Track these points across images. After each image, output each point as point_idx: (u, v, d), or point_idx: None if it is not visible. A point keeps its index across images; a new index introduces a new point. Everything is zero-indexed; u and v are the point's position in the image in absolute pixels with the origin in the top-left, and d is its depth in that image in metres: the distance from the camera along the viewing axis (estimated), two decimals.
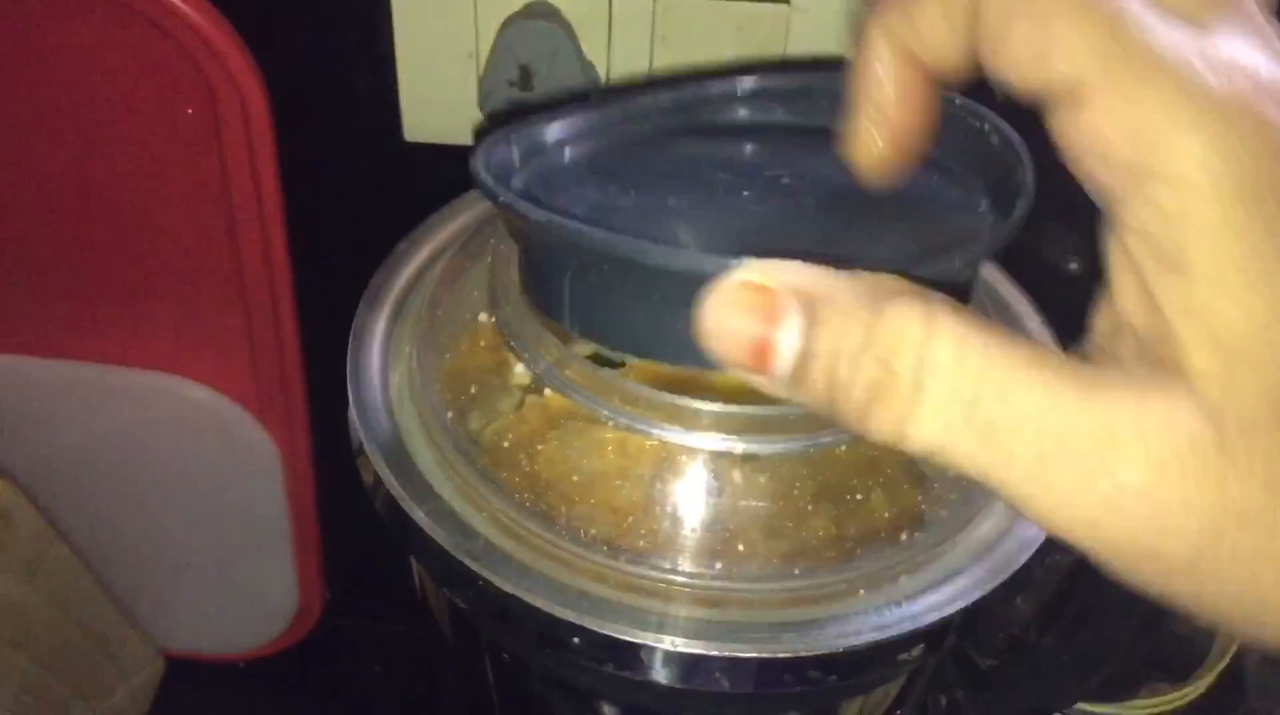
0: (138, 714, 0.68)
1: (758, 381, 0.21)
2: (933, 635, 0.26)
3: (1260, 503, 0.18)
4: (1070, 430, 0.18)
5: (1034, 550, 0.27)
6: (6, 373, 0.58)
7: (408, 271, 0.32)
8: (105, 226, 0.54)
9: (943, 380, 0.19)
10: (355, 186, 0.53)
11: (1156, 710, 0.49)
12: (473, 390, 0.27)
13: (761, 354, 0.20)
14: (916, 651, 0.26)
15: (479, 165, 0.25)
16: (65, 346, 0.58)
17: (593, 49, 0.39)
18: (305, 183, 0.52)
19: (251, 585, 0.68)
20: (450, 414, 0.27)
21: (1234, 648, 0.50)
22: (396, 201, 0.39)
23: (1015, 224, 0.23)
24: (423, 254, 0.32)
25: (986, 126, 0.26)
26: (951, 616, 0.26)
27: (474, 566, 0.25)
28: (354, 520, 0.74)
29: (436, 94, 0.43)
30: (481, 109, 0.41)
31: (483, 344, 0.27)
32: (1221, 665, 0.50)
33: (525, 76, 0.39)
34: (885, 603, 0.26)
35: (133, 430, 0.61)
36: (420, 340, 0.29)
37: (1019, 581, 0.26)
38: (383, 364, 0.29)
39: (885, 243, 0.24)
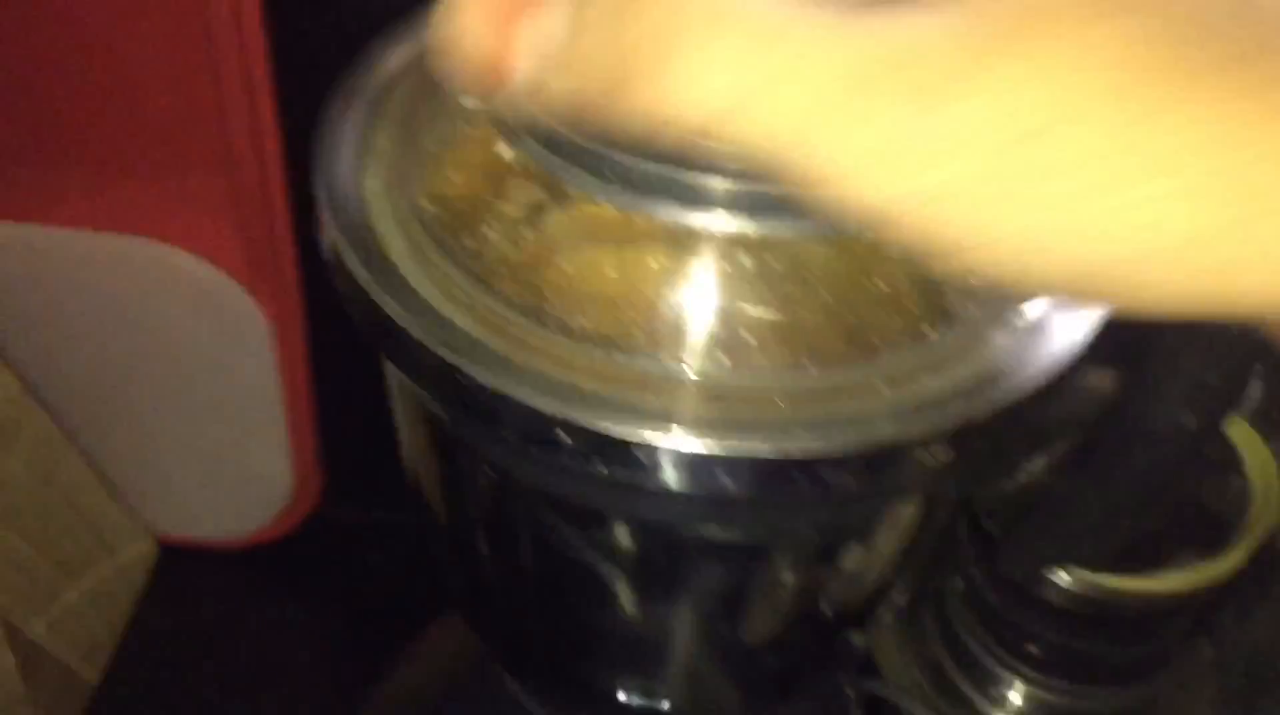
0: (129, 595, 0.67)
1: (501, 93, 0.17)
2: (958, 436, 0.23)
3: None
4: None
5: (1071, 353, 0.24)
6: None
7: (390, 67, 0.29)
8: (84, 85, 0.52)
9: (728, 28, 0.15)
10: (345, 43, 0.50)
11: (1186, 585, 0.47)
12: (452, 177, 0.25)
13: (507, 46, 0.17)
14: (939, 453, 0.23)
15: None
16: (42, 212, 0.56)
17: None
18: (294, 39, 0.50)
19: (245, 466, 0.67)
20: (426, 203, 0.25)
21: (1267, 522, 0.47)
22: None
23: None
24: (406, 52, 0.29)
25: None
26: (978, 418, 0.23)
27: (453, 360, 0.23)
28: (353, 404, 0.72)
29: None
30: None
31: (466, 130, 0.25)
32: (1253, 542, 0.47)
33: None
34: (906, 400, 0.23)
35: (115, 298, 0.59)
36: (398, 127, 0.26)
37: (1052, 389, 0.24)
38: (356, 156, 0.27)
39: None
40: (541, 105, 0.17)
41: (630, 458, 0.22)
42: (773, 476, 0.22)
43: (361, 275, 0.24)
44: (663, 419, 0.22)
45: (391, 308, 0.24)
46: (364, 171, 0.26)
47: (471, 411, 0.23)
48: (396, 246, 0.25)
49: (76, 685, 0.62)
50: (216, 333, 0.60)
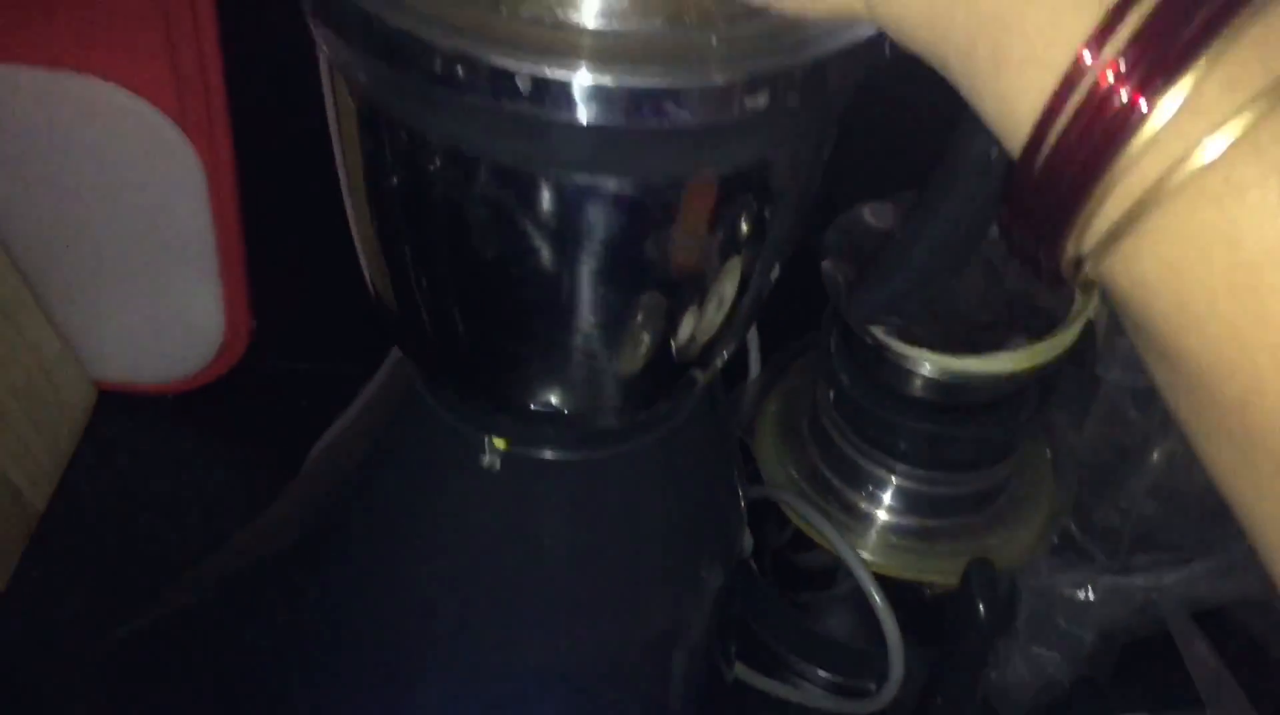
0: (71, 432, 0.71)
1: None
2: (776, 85, 0.29)
3: None
4: None
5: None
6: None
7: None
8: None
9: None
10: None
11: (1015, 365, 0.54)
12: None
13: None
14: (761, 99, 0.29)
15: None
16: None
17: None
18: None
19: (179, 311, 0.71)
20: None
21: (1089, 310, 0.55)
22: None
23: None
24: None
25: None
26: (795, 66, 0.29)
27: (367, 5, 0.28)
28: (284, 256, 0.77)
29: None
30: None
31: None
32: (1077, 326, 0.55)
33: None
34: (734, 53, 0.29)
35: (50, 136, 0.61)
36: None
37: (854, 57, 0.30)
38: None
39: None
40: None
41: (507, 85, 0.28)
42: (631, 103, 0.28)
43: None
44: (541, 51, 0.28)
45: None
46: None
47: (373, 45, 0.29)
48: None
49: (26, 509, 0.66)
50: (152, 174, 0.63)
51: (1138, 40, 0.21)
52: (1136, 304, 0.23)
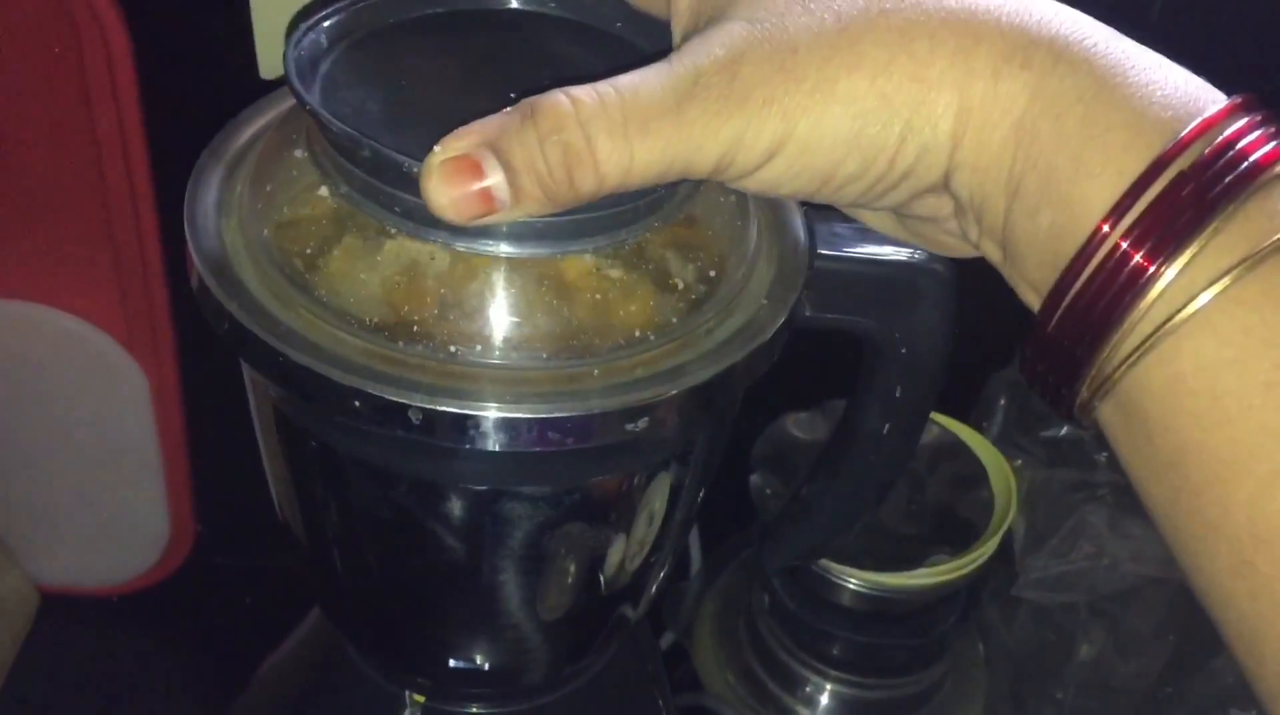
0: (12, 640, 0.71)
1: (495, 219, 0.29)
2: (654, 411, 0.31)
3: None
4: (678, 82, 0.28)
5: (749, 351, 0.32)
6: None
7: (249, 132, 0.37)
8: None
9: (601, 121, 0.27)
10: (216, 121, 0.58)
11: (939, 577, 0.56)
12: (285, 211, 0.32)
13: (485, 200, 0.28)
14: (642, 424, 0.31)
15: (290, 62, 0.31)
16: None
17: None
18: (167, 118, 0.57)
19: (124, 516, 0.71)
20: (267, 232, 0.33)
21: (1006, 525, 0.57)
22: None
23: None
24: (265, 118, 0.37)
25: None
26: (660, 399, 0.31)
27: (275, 344, 0.30)
28: (225, 455, 0.77)
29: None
30: None
31: (295, 174, 0.33)
32: (996, 540, 0.56)
33: None
34: (615, 383, 0.31)
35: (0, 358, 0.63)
36: (251, 179, 0.34)
37: (727, 382, 0.32)
38: (218, 200, 0.34)
39: None
40: (530, 210, 0.29)
41: (398, 417, 0.30)
42: (507, 431, 0.30)
43: (217, 292, 0.32)
44: (428, 389, 0.30)
45: (241, 317, 0.31)
46: (224, 215, 0.34)
47: (290, 382, 0.31)
48: (247, 272, 0.32)
49: None
50: (98, 391, 0.65)
51: (1147, 216, 0.26)
52: (1165, 405, 0.27)
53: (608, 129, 0.27)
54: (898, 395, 0.38)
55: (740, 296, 0.34)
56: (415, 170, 0.29)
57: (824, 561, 0.58)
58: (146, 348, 0.64)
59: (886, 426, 0.39)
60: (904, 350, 0.37)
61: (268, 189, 0.33)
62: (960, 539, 0.58)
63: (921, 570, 0.57)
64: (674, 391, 0.31)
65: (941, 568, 0.57)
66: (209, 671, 0.73)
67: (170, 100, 0.57)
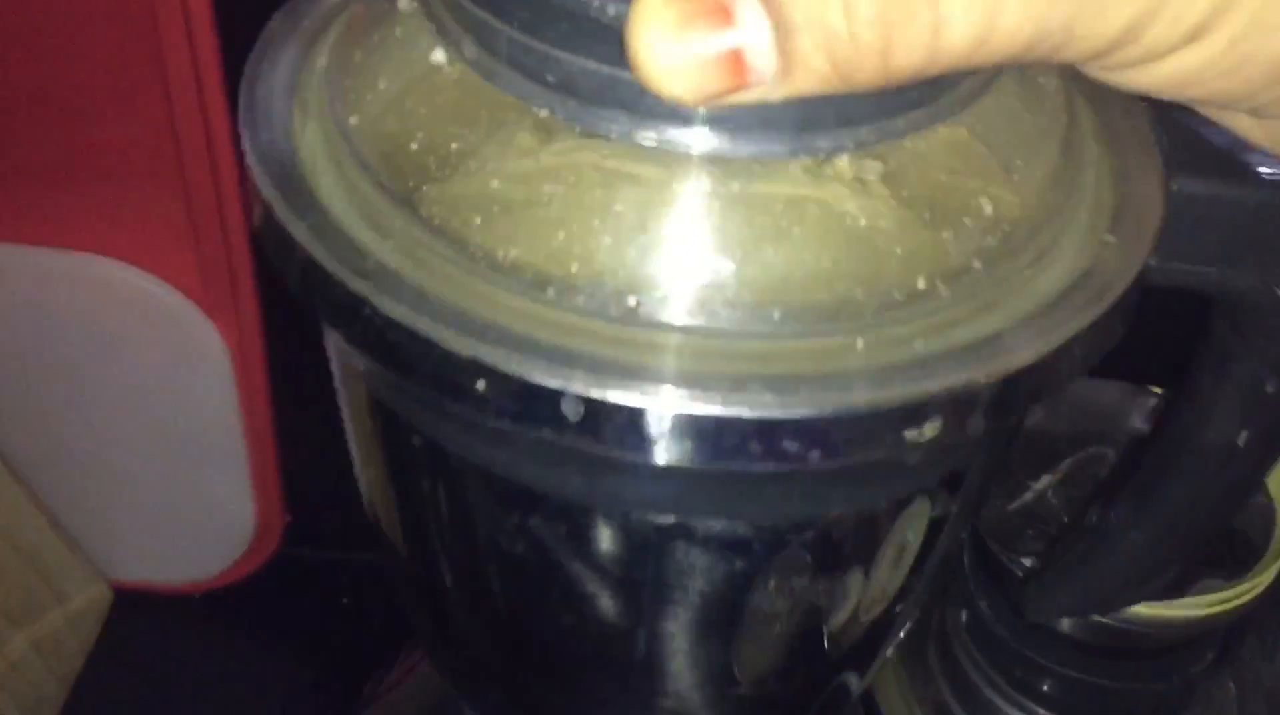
0: (81, 645, 0.63)
1: (745, 99, 0.18)
2: (953, 408, 0.19)
3: None
4: None
5: (1092, 319, 0.20)
6: None
7: None
8: (33, 98, 0.50)
9: None
10: None
11: (1205, 610, 0.43)
12: (382, 89, 0.21)
13: (733, 67, 0.17)
14: (930, 429, 0.19)
15: None
16: None
17: None
18: (247, 41, 0.48)
19: (204, 505, 0.64)
20: (355, 121, 0.22)
21: None
22: None
23: None
24: None
25: None
26: (978, 386, 0.19)
27: (357, 287, 0.19)
28: (318, 436, 0.69)
29: None
30: None
31: (399, 34, 0.22)
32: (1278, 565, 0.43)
33: None
34: (891, 363, 0.19)
35: (61, 321, 0.56)
36: (335, 47, 0.23)
37: (1074, 351, 0.20)
38: (290, 83, 0.24)
39: None
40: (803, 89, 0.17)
41: (545, 409, 0.19)
42: (721, 439, 0.19)
43: (277, 202, 0.21)
44: (586, 365, 0.19)
45: (313, 247, 0.21)
46: (296, 102, 0.23)
47: (383, 349, 0.20)
48: (327, 182, 0.22)
49: None
50: (172, 361, 0.57)
51: None
52: None
53: None
54: (1269, 390, 0.26)
55: (1066, 230, 0.22)
56: (610, 12, 0.18)
57: None
58: (226, 308, 0.55)
59: (1244, 435, 0.27)
60: None
61: (357, 58, 0.22)
62: (1234, 560, 0.45)
63: (1186, 600, 0.44)
64: (984, 377, 0.20)
65: (1211, 597, 0.44)
66: (299, 680, 0.65)
67: (248, 22, 0.49)
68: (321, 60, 0.24)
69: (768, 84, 0.17)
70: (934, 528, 0.25)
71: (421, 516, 0.26)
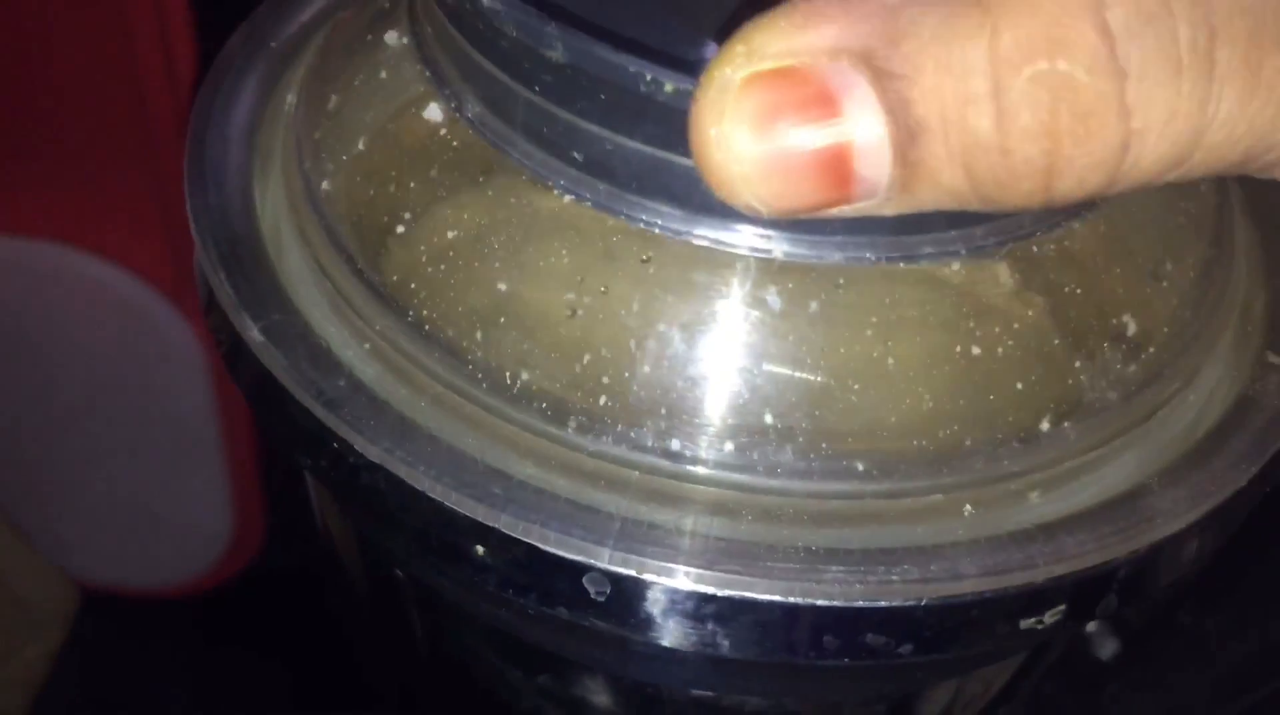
0: (45, 652, 0.60)
1: (842, 213, 0.13)
2: (1082, 591, 0.15)
3: None
4: None
5: (1259, 465, 0.16)
6: None
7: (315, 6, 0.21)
8: None
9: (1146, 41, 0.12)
10: None
11: None
12: (360, 146, 0.17)
13: (835, 172, 0.13)
14: (1051, 616, 0.15)
15: None
16: None
17: None
18: (221, 25, 0.44)
19: (177, 508, 0.60)
20: (327, 185, 0.17)
21: None
22: None
23: None
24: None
25: None
26: (1116, 562, 0.15)
27: (323, 417, 0.15)
28: None
29: None
30: None
31: (383, 76, 0.17)
32: None
33: None
34: (1004, 531, 0.15)
35: (27, 315, 0.52)
36: (307, 84, 0.19)
37: (1233, 512, 0.16)
38: (249, 122, 0.19)
39: None
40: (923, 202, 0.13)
41: (562, 586, 0.15)
42: (788, 632, 0.15)
43: (224, 292, 0.16)
44: (617, 532, 0.14)
45: (252, 336, 0.16)
46: (258, 150, 0.19)
47: (353, 492, 0.16)
48: (291, 259, 0.17)
49: None
50: (145, 357, 0.54)
51: None
52: None
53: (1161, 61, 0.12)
54: None
55: (1215, 343, 0.18)
56: (665, 88, 0.13)
57: None
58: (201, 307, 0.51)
59: None
60: None
61: (332, 104, 0.18)
62: None
63: None
64: (1123, 554, 0.15)
65: None
66: (275, 692, 0.62)
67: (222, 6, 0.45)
68: (290, 96, 0.19)
69: (878, 198, 0.13)
70: (1032, 666, 0.21)
71: (407, 648, 0.21)
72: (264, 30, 0.20)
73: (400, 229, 0.16)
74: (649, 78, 0.13)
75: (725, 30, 0.14)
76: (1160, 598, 0.18)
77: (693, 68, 0.13)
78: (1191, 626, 0.27)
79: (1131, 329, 0.16)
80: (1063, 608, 0.15)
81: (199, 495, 0.59)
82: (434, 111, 0.16)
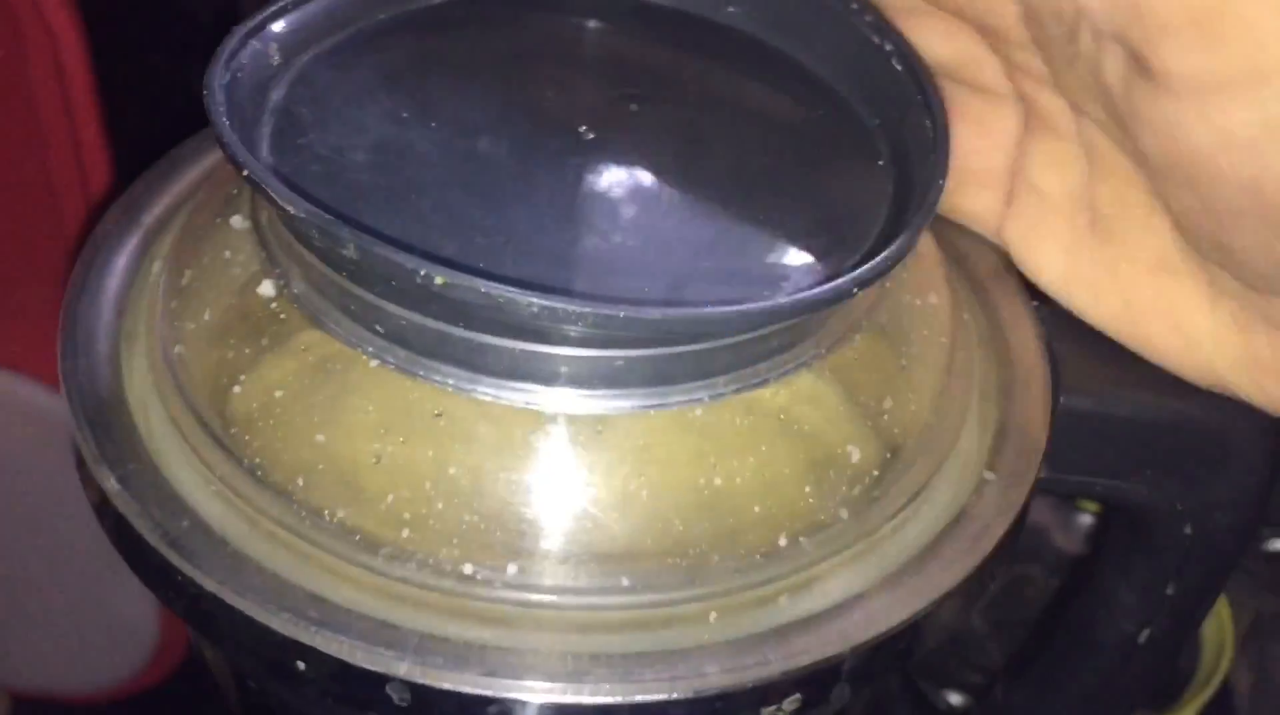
0: None
1: None
2: (814, 681, 0.18)
3: None
4: None
5: (967, 571, 0.19)
6: None
7: (194, 173, 0.24)
8: None
9: None
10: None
11: None
12: (207, 318, 0.20)
13: None
14: (790, 704, 0.18)
15: (215, 92, 0.18)
16: None
17: None
18: (136, 137, 0.46)
19: (105, 615, 0.60)
20: (179, 350, 0.20)
21: (1221, 673, 0.42)
22: None
23: (927, 210, 0.19)
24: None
25: (889, 47, 0.21)
26: (840, 657, 0.18)
27: (166, 553, 0.18)
28: None
29: None
30: None
31: (228, 255, 0.20)
32: (1207, 693, 0.42)
33: None
34: (745, 635, 0.18)
35: None
36: (170, 259, 0.22)
37: (944, 610, 0.19)
38: (120, 292, 0.22)
39: (763, 233, 0.20)
40: None
41: (372, 695, 0.17)
42: None
43: (88, 446, 0.19)
44: (417, 648, 0.17)
45: (109, 485, 0.19)
46: (126, 319, 0.22)
47: (200, 618, 0.18)
48: (153, 418, 0.20)
49: None
50: (67, 468, 0.55)
51: None
52: None
53: None
54: (1169, 592, 0.25)
55: (944, 464, 0.21)
56: (436, 281, 0.16)
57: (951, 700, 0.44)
58: None
59: (1145, 633, 0.26)
60: (1189, 530, 0.24)
61: (185, 278, 0.21)
62: (1162, 690, 0.44)
63: None
64: (847, 649, 0.18)
65: None
66: None
67: (137, 118, 0.46)
68: (156, 266, 0.22)
69: None
70: None
71: None
72: (139, 202, 0.23)
73: (237, 388, 0.19)
74: (423, 272, 0.16)
75: (499, 233, 0.18)
76: (890, 682, 0.21)
77: (457, 265, 0.16)
78: (1003, 703, 0.30)
79: (856, 457, 0.19)
80: (798, 696, 0.18)
81: (125, 602, 0.60)
82: (266, 287, 0.19)
